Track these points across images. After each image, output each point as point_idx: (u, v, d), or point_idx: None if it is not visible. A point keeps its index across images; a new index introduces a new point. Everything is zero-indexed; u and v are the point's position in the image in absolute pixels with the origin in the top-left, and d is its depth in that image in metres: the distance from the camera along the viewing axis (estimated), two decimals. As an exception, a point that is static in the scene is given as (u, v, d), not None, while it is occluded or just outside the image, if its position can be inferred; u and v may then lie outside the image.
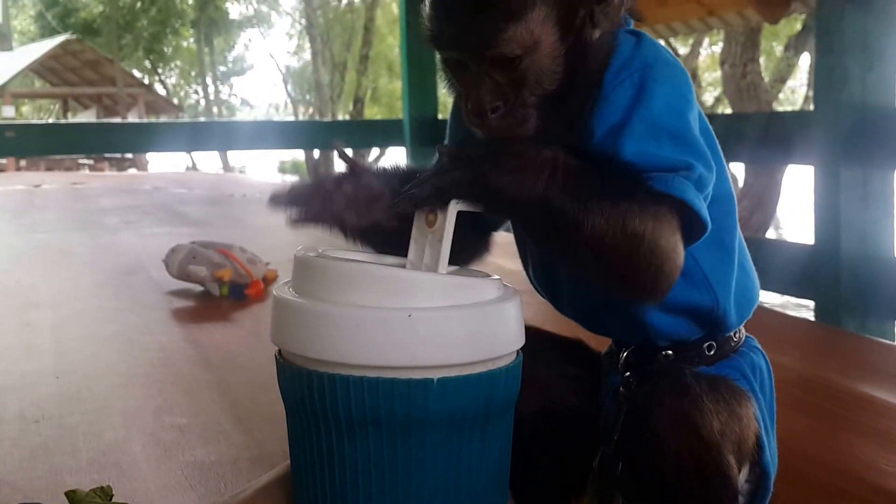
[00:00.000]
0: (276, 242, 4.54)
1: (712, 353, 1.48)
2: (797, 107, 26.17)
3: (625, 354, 1.50)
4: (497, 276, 1.27)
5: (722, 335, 1.49)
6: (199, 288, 3.78)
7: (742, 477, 1.42)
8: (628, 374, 1.49)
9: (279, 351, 1.26)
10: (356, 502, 1.19)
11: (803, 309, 7.82)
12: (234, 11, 41.40)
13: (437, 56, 1.39)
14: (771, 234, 14.66)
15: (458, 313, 1.17)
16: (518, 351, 1.27)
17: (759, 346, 1.55)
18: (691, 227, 1.28)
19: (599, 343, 1.59)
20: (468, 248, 1.42)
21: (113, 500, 1.53)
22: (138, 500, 1.55)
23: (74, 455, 2.01)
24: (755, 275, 1.52)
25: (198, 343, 3.02)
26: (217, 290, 3.69)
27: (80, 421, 2.23)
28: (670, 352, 1.47)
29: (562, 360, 1.47)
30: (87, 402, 2.37)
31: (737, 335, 1.51)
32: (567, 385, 1.47)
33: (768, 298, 8.96)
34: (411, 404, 1.14)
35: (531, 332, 1.32)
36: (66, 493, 1.47)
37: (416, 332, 1.14)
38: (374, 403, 1.14)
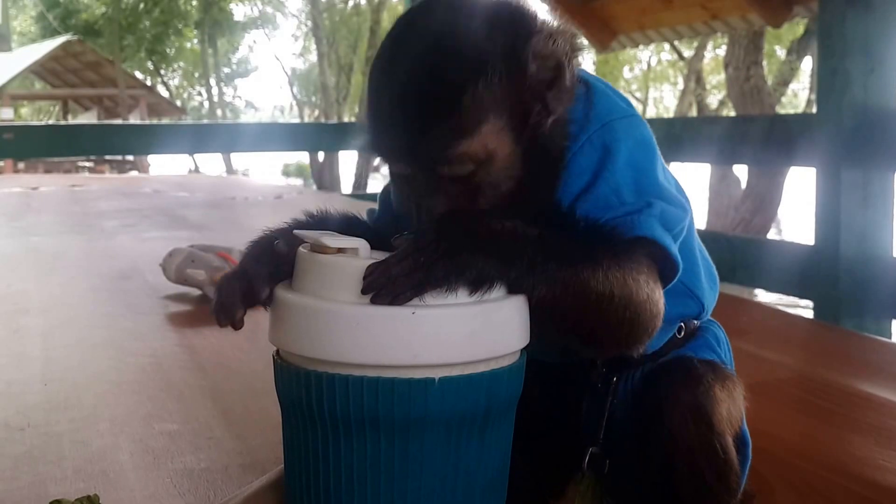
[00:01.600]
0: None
1: (682, 335, 1.50)
2: (800, 109, 26.27)
3: None
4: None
5: (695, 321, 1.52)
6: (196, 292, 3.74)
7: None
8: (605, 370, 1.48)
9: (277, 351, 1.24)
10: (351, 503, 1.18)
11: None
12: (239, 13, 41.55)
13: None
14: (772, 234, 14.69)
15: (463, 311, 1.15)
16: (522, 350, 1.25)
17: (711, 318, 1.58)
18: (664, 268, 1.31)
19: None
20: None
21: (100, 510, 1.51)
22: (124, 510, 1.54)
23: (60, 464, 1.99)
24: (706, 252, 1.54)
25: (192, 348, 2.99)
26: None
27: (67, 429, 2.21)
28: None
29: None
30: (74, 410, 2.35)
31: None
32: (541, 382, 1.45)
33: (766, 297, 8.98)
34: (411, 404, 1.13)
35: None
36: (52, 503, 1.46)
37: (420, 330, 1.13)
38: (373, 403, 1.13)
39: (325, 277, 1.18)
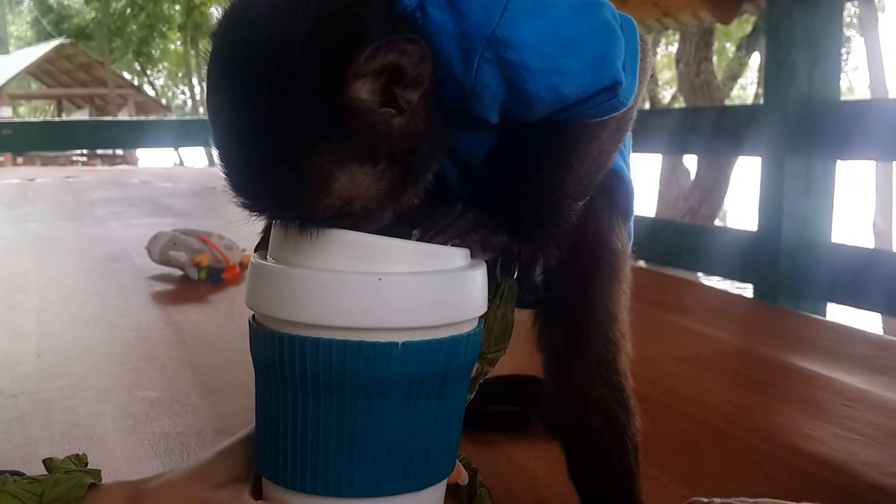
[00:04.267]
0: (253, 231, 4.54)
1: None
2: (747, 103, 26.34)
3: None
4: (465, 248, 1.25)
5: None
6: (179, 272, 3.78)
7: None
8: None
9: (253, 316, 1.24)
10: (316, 460, 1.17)
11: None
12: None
13: None
14: (717, 223, 14.72)
15: (426, 279, 1.15)
16: (479, 318, 1.25)
17: None
18: None
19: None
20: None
21: (87, 467, 1.51)
22: (106, 468, 1.52)
23: (49, 427, 2.00)
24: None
25: (174, 324, 3.00)
26: (196, 274, 3.68)
27: (57, 396, 2.22)
28: None
29: None
30: (64, 379, 2.36)
31: None
32: None
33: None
34: (376, 365, 1.12)
35: None
36: (44, 461, 1.45)
37: (385, 296, 1.12)
38: (341, 365, 1.12)
39: (299, 246, 1.17)
